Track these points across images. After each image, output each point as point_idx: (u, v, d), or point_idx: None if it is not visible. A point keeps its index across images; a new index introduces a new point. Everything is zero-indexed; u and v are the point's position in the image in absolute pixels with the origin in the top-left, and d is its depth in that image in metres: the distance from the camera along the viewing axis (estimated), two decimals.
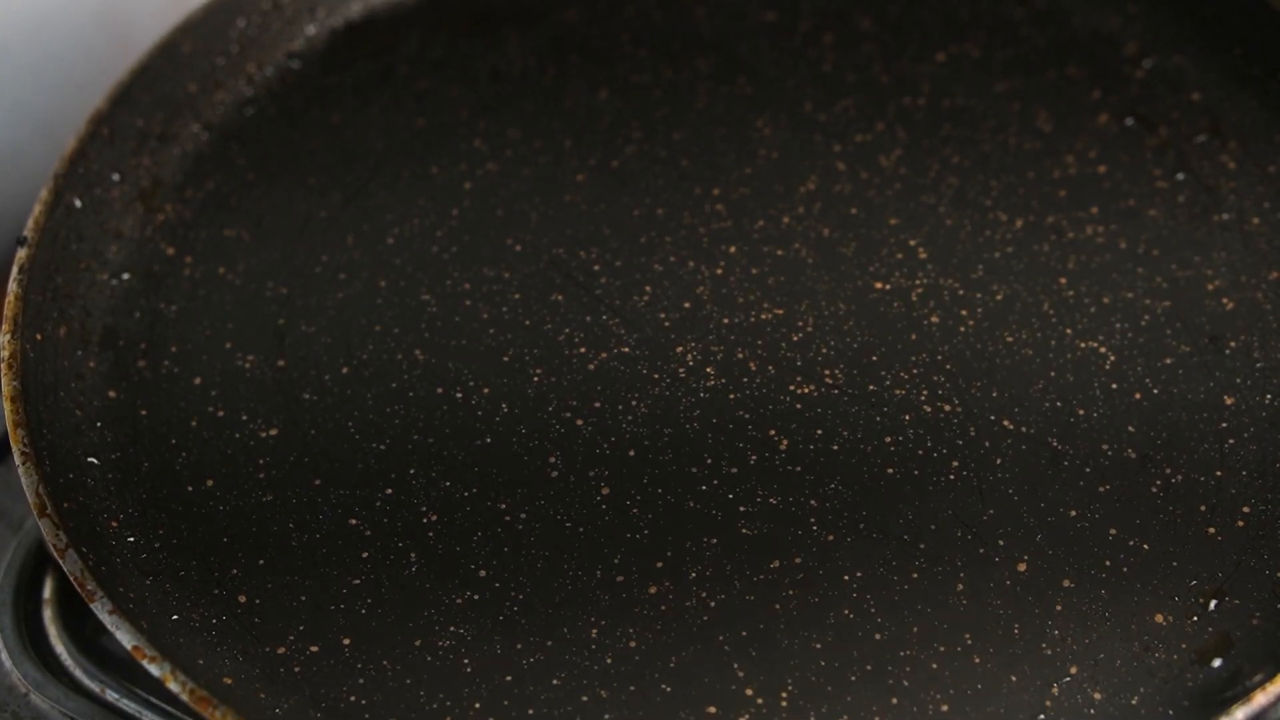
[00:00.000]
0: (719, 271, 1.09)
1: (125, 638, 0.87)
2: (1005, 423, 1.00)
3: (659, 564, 0.94)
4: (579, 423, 1.02)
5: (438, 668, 0.90)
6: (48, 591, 1.03)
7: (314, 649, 0.92)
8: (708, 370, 1.04)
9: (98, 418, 1.03)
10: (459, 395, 1.04)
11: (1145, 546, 0.93)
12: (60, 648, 1.01)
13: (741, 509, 0.97)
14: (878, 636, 0.91)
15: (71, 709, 0.98)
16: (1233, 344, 1.03)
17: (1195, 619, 0.90)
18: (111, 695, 0.98)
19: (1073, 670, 0.89)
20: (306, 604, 0.94)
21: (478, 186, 1.16)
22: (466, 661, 0.91)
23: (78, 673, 1.00)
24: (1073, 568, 0.93)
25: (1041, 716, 0.88)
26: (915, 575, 0.93)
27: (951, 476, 0.98)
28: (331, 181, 1.17)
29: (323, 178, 1.17)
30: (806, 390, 1.03)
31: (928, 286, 1.08)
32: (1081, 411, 1.00)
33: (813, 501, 0.97)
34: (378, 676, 0.90)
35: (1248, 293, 1.06)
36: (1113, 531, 0.94)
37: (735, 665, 0.90)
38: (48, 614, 1.03)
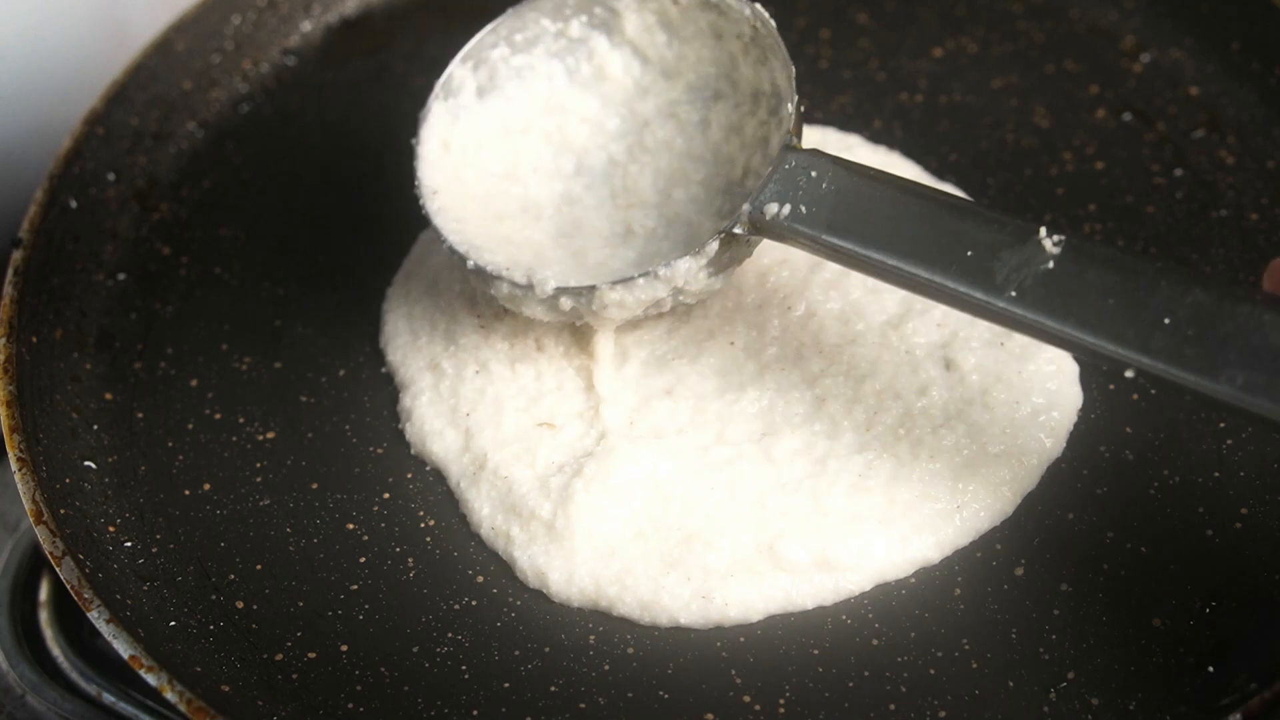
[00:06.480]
0: None
1: (122, 647, 0.87)
2: None
3: None
4: None
5: (436, 674, 0.90)
6: (44, 594, 1.04)
7: (312, 655, 0.91)
8: None
9: (94, 420, 1.02)
10: None
11: (1143, 549, 0.93)
12: (56, 650, 1.01)
13: None
14: (875, 642, 0.91)
15: (68, 711, 0.98)
16: None
17: (1193, 623, 0.90)
18: (108, 699, 0.98)
19: (1070, 675, 0.88)
20: (304, 610, 0.94)
21: None
22: (464, 668, 0.91)
23: (74, 675, 1.00)
24: (1070, 571, 0.93)
25: None
26: (913, 580, 0.93)
27: None
28: (327, 180, 1.17)
29: (318, 176, 1.17)
30: None
31: None
32: (1079, 413, 1.00)
33: None
34: (375, 683, 0.90)
35: None
36: (1110, 534, 0.94)
37: (733, 672, 0.90)
38: (44, 616, 1.03)
